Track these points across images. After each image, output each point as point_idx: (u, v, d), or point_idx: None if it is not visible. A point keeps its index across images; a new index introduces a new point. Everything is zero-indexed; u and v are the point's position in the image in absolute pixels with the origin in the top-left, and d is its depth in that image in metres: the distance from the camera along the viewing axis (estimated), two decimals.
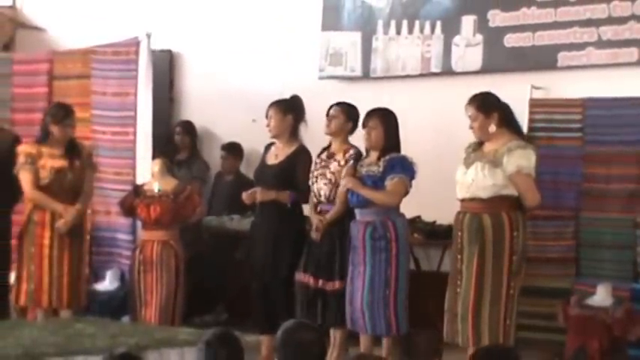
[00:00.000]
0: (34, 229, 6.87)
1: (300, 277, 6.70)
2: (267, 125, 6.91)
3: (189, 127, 9.01)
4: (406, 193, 6.44)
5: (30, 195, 6.89)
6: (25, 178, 6.86)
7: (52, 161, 6.85)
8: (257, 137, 7.70)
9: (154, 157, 7.57)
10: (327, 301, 6.62)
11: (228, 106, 8.95)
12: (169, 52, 9.32)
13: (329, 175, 6.71)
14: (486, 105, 6.00)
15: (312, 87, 8.28)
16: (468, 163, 6.02)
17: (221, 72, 9.08)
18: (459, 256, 5.98)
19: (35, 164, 6.83)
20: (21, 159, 6.87)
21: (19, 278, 6.90)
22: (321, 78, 8.58)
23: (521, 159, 5.87)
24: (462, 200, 6.03)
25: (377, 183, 6.38)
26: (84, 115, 7.90)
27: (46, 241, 6.84)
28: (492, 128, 5.97)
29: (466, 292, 5.89)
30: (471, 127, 6.04)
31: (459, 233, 5.99)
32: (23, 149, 6.94)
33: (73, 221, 6.83)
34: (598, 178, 7.12)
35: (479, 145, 6.07)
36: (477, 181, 5.91)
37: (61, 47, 9.19)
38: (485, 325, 5.84)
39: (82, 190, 6.94)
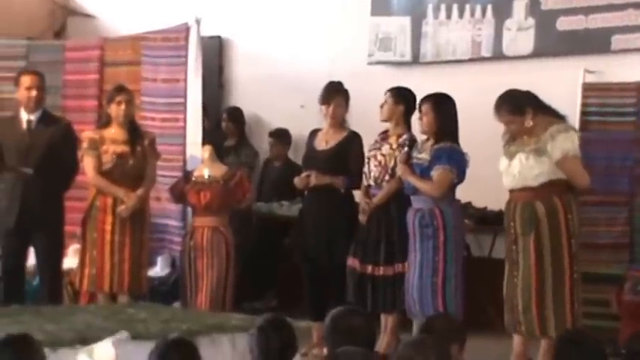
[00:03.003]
0: (96, 214, 6.89)
1: (350, 261, 6.69)
2: (332, 113, 6.83)
3: (235, 114, 9.01)
4: (456, 183, 6.36)
5: (93, 180, 6.92)
6: (88, 164, 6.90)
7: (114, 147, 6.87)
8: (305, 123, 7.68)
9: (203, 143, 7.60)
10: (375, 287, 6.60)
11: (277, 92, 8.94)
12: (219, 38, 9.33)
13: (379, 157, 6.68)
14: (518, 105, 5.84)
15: (362, 72, 8.26)
16: (509, 155, 5.92)
17: (270, 58, 9.07)
18: (513, 247, 5.90)
19: (98, 149, 6.86)
20: (84, 144, 6.91)
21: (82, 263, 6.93)
22: (370, 63, 8.54)
23: (566, 143, 5.77)
24: (511, 191, 5.94)
25: (424, 172, 6.34)
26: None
27: (108, 227, 6.86)
28: (529, 123, 5.84)
29: (526, 282, 5.80)
30: (509, 131, 5.91)
31: (512, 224, 5.90)
32: (86, 135, 6.99)
33: (134, 207, 6.84)
34: None
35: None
36: (523, 171, 5.81)
37: (111, 34, 9.23)
38: (551, 314, 5.76)
39: (144, 175, 6.95)
